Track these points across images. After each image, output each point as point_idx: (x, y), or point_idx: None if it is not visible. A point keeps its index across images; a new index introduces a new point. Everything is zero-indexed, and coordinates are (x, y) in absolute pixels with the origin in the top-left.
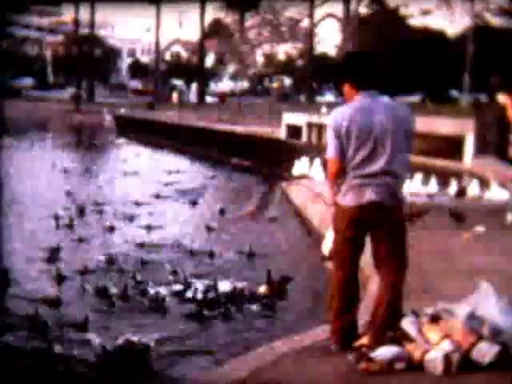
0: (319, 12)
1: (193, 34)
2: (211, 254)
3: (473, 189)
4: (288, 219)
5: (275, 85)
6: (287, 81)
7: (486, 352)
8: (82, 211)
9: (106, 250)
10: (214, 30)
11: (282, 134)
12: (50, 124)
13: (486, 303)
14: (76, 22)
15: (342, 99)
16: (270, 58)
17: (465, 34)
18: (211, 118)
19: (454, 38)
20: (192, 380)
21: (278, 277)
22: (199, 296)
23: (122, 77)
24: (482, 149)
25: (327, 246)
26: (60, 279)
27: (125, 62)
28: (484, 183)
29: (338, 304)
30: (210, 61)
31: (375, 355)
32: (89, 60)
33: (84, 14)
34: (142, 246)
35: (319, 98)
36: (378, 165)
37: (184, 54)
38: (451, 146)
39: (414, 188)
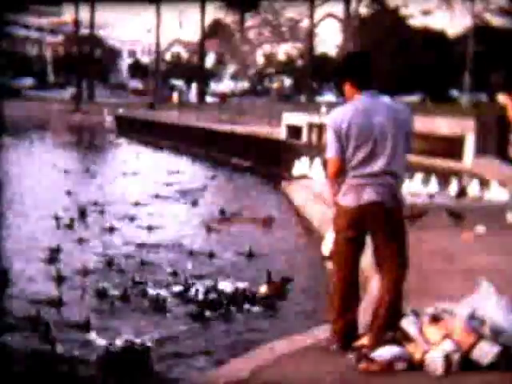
0: (319, 12)
1: (193, 34)
2: (211, 255)
3: (473, 189)
4: (288, 219)
5: (275, 85)
6: (287, 81)
7: (486, 352)
8: (83, 213)
9: (106, 251)
10: (214, 30)
11: (282, 134)
12: (50, 124)
13: (487, 303)
14: (76, 23)
15: (343, 99)
16: (270, 58)
17: (465, 33)
18: (211, 118)
19: (455, 38)
20: (192, 380)
21: (278, 277)
22: (199, 297)
23: (122, 77)
24: (482, 149)
25: (327, 246)
26: (60, 280)
27: (125, 62)
28: (484, 183)
29: (338, 304)
30: (210, 61)
31: (375, 355)
32: (89, 60)
33: (84, 14)
34: (142, 246)
35: (319, 98)
36: (378, 165)
37: (184, 55)
38: (451, 146)
39: (415, 188)
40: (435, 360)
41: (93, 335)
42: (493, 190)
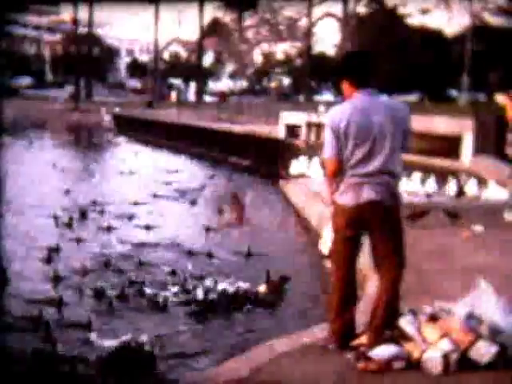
0: (317, 11)
1: (191, 33)
2: (210, 254)
3: (471, 188)
4: (286, 218)
5: (273, 84)
6: (286, 80)
7: (484, 351)
8: (83, 214)
9: (105, 250)
10: (213, 29)
11: (280, 133)
12: (48, 123)
13: (485, 302)
14: (74, 21)
15: (341, 98)
16: (268, 57)
17: (463, 33)
18: (210, 117)
19: (453, 38)
20: (191, 379)
21: (276, 276)
22: (198, 296)
23: (120, 76)
24: (480, 148)
25: (326, 245)
26: (57, 279)
27: (123, 61)
28: (482, 182)
29: (336, 303)
30: (208, 60)
31: (373, 354)
32: (87, 59)
33: (82, 12)
34: (140, 245)
35: (318, 98)
36: (376, 164)
37: (183, 53)
38: (449, 146)
39: (413, 187)
40: (433, 359)
41: (93, 335)
42: (491, 189)
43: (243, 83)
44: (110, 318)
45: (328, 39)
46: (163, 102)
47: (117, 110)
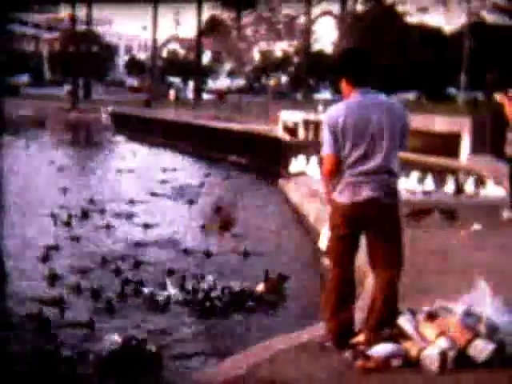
0: (316, 9)
1: (190, 31)
2: (207, 253)
3: (469, 186)
4: (285, 216)
5: (272, 82)
6: (284, 78)
7: (481, 349)
8: (85, 214)
9: (102, 249)
10: (211, 27)
11: (278, 131)
12: (47, 121)
13: (483, 301)
14: (73, 19)
15: (340, 97)
16: (266, 56)
17: (461, 31)
18: (208, 116)
19: (451, 36)
20: (190, 378)
21: (274, 275)
22: (197, 296)
23: (119, 74)
24: (478, 147)
25: (324, 241)
26: (54, 278)
27: (122, 59)
28: (480, 181)
29: (334, 301)
30: (206, 58)
31: (372, 352)
32: (86, 57)
33: (81, 10)
34: (138, 244)
35: (316, 96)
36: (374, 162)
37: (181, 51)
38: (448, 144)
39: (411, 185)
40: (431, 357)
41: (94, 334)
42: (488, 188)
43: (241, 81)
44: (109, 317)
45: (327, 37)
46: (161, 100)
47: (111, 108)
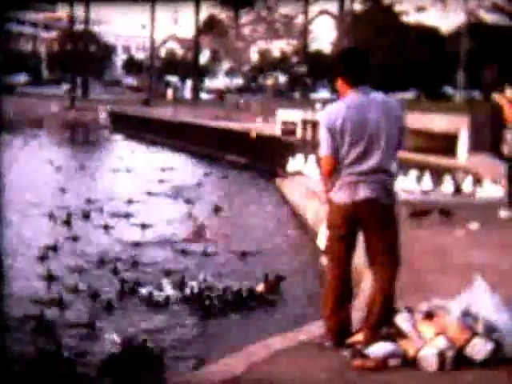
0: (314, 9)
1: (188, 30)
2: (205, 253)
3: (467, 185)
4: (283, 216)
5: (269, 82)
6: (282, 78)
7: (480, 349)
8: (83, 214)
9: (100, 249)
10: (209, 27)
11: (276, 130)
12: (45, 120)
13: (481, 300)
14: (71, 18)
15: (337, 96)
16: (264, 55)
17: (459, 31)
18: (207, 115)
19: (449, 35)
20: (188, 377)
21: (272, 275)
22: (195, 295)
23: (116, 73)
24: (476, 146)
25: (323, 240)
26: (51, 278)
27: (119, 59)
28: (478, 180)
29: (332, 301)
30: (204, 57)
31: (369, 352)
32: (83, 56)
33: (79, 10)
34: (136, 244)
35: (314, 95)
36: (372, 162)
37: (179, 51)
38: (446, 143)
39: (409, 185)
40: (429, 356)
41: (94, 334)
42: (486, 187)
43: (239, 81)
44: (108, 317)
45: (324, 37)
46: (159, 99)
47: (109, 107)
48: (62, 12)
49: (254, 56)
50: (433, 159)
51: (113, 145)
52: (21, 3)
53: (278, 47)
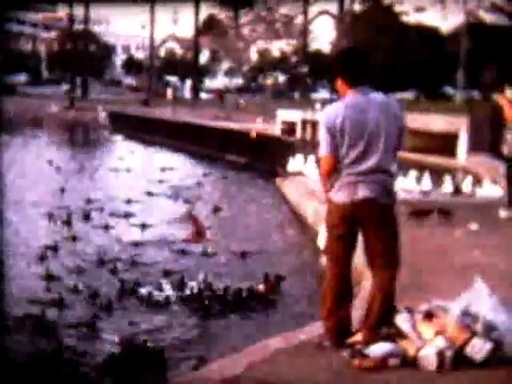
0: (313, 9)
1: (187, 30)
2: (205, 254)
3: (467, 185)
4: (282, 216)
5: (269, 82)
6: (281, 78)
7: (479, 349)
8: (83, 214)
9: (100, 249)
10: (209, 26)
11: (276, 130)
12: (45, 121)
13: (480, 300)
14: (70, 18)
15: (337, 96)
16: (264, 55)
17: (458, 31)
18: (206, 115)
19: (448, 35)
20: (187, 377)
21: (272, 275)
22: (194, 296)
23: (116, 73)
24: (475, 146)
25: (323, 240)
26: (50, 278)
27: (119, 58)
28: (477, 180)
29: (331, 301)
30: (204, 57)
31: (369, 352)
32: (83, 56)
33: (78, 9)
34: (135, 244)
35: (314, 95)
36: (371, 162)
37: (178, 51)
38: (445, 143)
39: (408, 185)
40: (428, 356)
41: (95, 335)
42: (486, 187)
43: (239, 81)
44: (108, 317)
45: (324, 37)
46: (159, 99)
47: (109, 107)
48: (62, 12)
49: (253, 56)
50: (432, 159)
51: (113, 145)
52: (21, 3)
53: (278, 47)
